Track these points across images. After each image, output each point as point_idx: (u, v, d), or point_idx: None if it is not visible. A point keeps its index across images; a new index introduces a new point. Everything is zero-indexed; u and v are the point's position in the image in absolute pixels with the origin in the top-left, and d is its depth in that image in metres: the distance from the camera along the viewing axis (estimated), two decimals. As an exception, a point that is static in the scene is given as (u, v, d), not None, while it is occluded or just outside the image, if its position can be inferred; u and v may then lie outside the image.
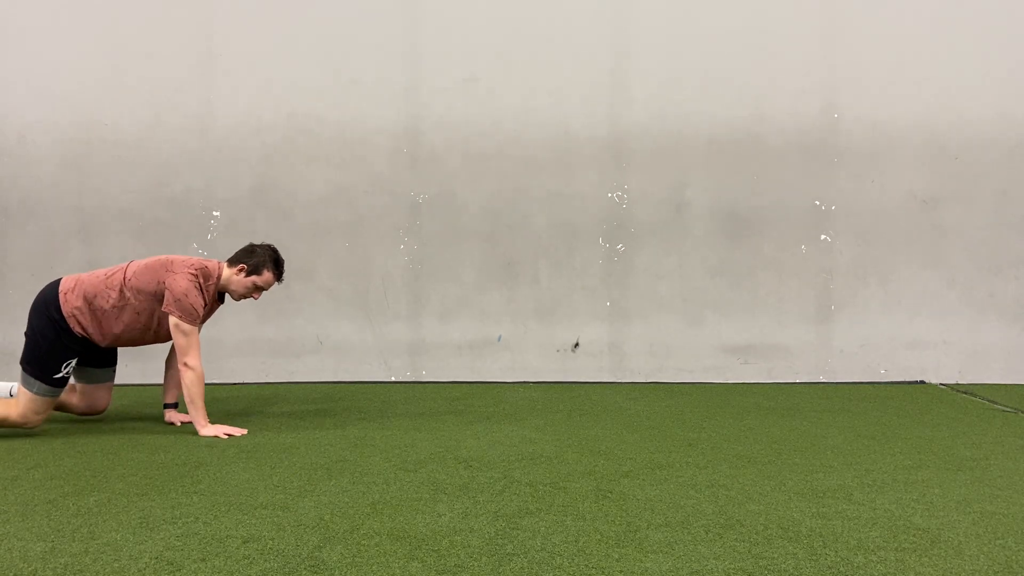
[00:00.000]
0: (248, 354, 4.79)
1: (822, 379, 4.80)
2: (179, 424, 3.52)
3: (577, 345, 4.83)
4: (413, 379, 4.81)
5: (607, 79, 4.80)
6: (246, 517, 2.21)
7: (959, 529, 2.12)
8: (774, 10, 4.78)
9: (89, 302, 3.27)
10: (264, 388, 4.56)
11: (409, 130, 4.81)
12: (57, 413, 3.55)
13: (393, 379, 4.82)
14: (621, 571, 1.83)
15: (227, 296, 3.54)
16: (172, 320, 3.26)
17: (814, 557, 1.92)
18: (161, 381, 3.69)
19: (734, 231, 4.81)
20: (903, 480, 2.60)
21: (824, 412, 3.82)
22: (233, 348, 4.79)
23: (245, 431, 3.29)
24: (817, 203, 4.80)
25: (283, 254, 4.76)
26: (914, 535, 2.07)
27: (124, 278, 3.30)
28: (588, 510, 2.27)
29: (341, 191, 4.81)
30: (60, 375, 3.25)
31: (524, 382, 4.77)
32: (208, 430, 3.26)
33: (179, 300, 3.24)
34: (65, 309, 3.26)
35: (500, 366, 4.81)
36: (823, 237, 4.81)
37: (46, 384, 3.23)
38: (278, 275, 3.48)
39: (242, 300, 3.55)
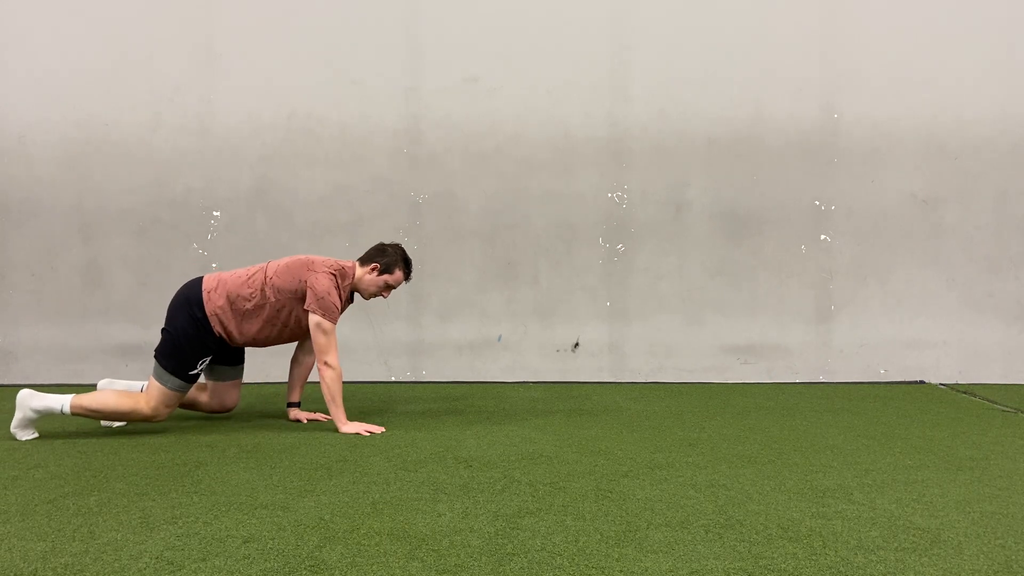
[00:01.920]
0: (248, 354, 4.78)
1: (822, 379, 4.80)
2: (305, 421, 3.55)
3: (577, 345, 4.83)
4: (413, 379, 4.82)
5: (607, 79, 4.80)
6: (246, 517, 2.21)
7: (959, 529, 2.12)
8: (774, 10, 4.78)
9: (232, 302, 3.31)
10: (264, 388, 4.56)
11: (409, 130, 4.81)
12: (183, 411, 3.59)
13: (393, 379, 4.82)
14: (621, 571, 1.84)
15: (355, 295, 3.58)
16: (314, 319, 3.28)
17: (814, 557, 1.92)
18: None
19: (734, 231, 4.81)
20: (903, 480, 2.60)
21: (824, 412, 3.83)
22: (233, 348, 4.79)
23: (383, 429, 3.33)
24: (817, 203, 4.80)
25: (283, 254, 4.78)
26: (914, 535, 2.08)
27: (265, 277, 3.34)
28: (588, 510, 2.27)
29: (341, 191, 4.81)
30: (195, 372, 3.30)
31: (524, 382, 4.77)
32: (348, 427, 3.30)
33: (321, 299, 3.28)
34: (208, 308, 3.29)
35: (500, 366, 4.81)
36: (823, 237, 4.81)
37: (180, 380, 3.27)
38: (407, 274, 3.53)
39: (372, 299, 3.56)
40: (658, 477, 2.62)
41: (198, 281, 3.38)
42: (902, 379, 4.78)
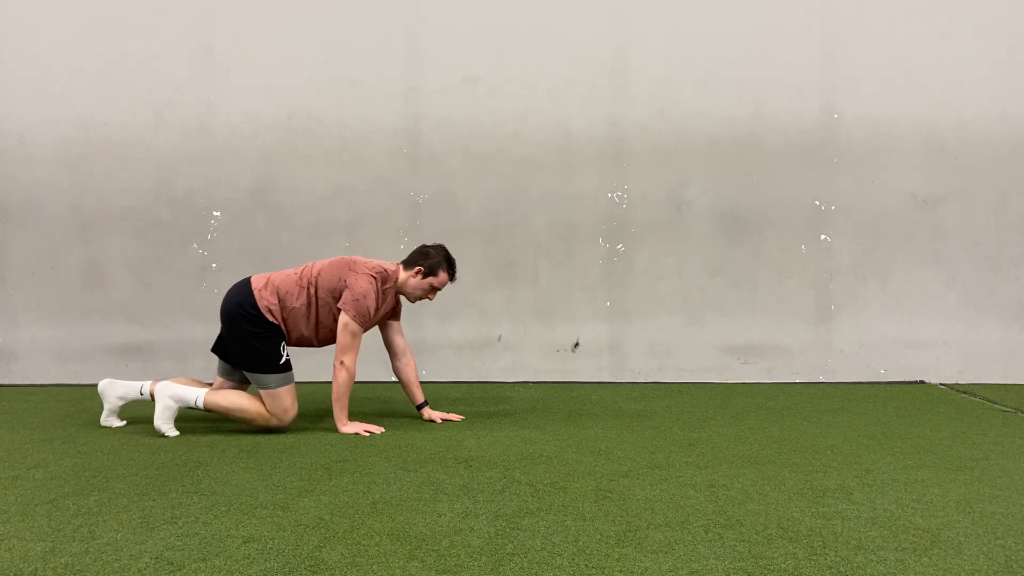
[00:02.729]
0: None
1: (822, 379, 4.80)
2: (439, 421, 3.55)
3: (577, 345, 4.83)
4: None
5: (607, 79, 4.80)
6: (246, 517, 2.21)
7: (959, 529, 2.12)
8: (774, 10, 4.78)
9: (281, 299, 3.33)
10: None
11: (409, 130, 4.81)
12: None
13: (393, 379, 4.81)
14: (621, 571, 1.83)
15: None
16: (343, 318, 3.29)
17: (814, 557, 1.92)
18: None
19: (734, 231, 4.81)
20: (903, 480, 2.60)
21: (824, 412, 3.82)
22: (233, 348, 4.79)
23: (383, 429, 3.34)
24: (817, 203, 4.80)
25: (283, 254, 4.79)
26: (914, 535, 2.07)
27: (312, 277, 3.35)
28: (588, 510, 2.27)
29: (341, 191, 4.81)
30: (284, 359, 3.31)
31: (524, 382, 4.77)
32: (348, 427, 3.31)
33: (357, 300, 3.28)
34: (260, 304, 3.31)
35: (500, 366, 4.81)
36: (823, 237, 4.81)
37: (278, 373, 3.28)
38: (452, 275, 3.52)
39: (417, 302, 3.58)
40: (658, 477, 2.62)
41: (245, 282, 3.39)
42: (902, 379, 4.78)
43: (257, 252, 4.81)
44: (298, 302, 3.32)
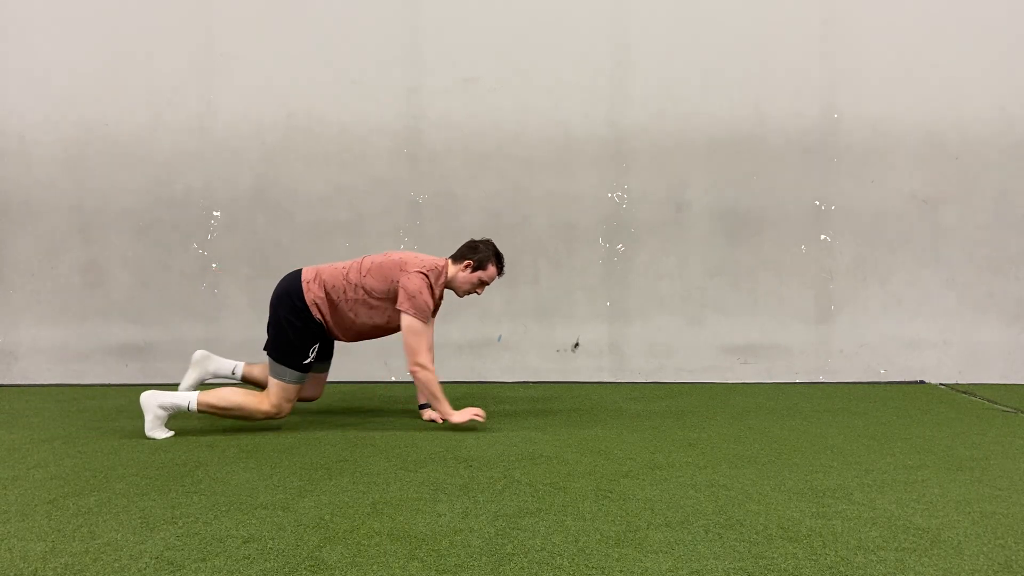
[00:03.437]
0: (248, 354, 4.79)
1: (822, 379, 4.80)
2: (440, 421, 3.54)
3: (577, 345, 4.83)
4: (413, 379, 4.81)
5: (607, 79, 4.80)
6: (246, 517, 2.21)
7: (959, 529, 2.12)
8: (774, 10, 4.78)
9: (329, 293, 3.34)
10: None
11: (409, 130, 4.81)
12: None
13: (393, 379, 4.82)
14: (621, 571, 1.83)
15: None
16: (405, 320, 3.29)
17: (814, 557, 1.92)
18: None
19: (734, 231, 4.81)
20: (903, 480, 2.60)
21: (824, 412, 3.83)
22: (233, 348, 4.79)
23: (484, 414, 3.37)
24: (817, 203, 4.80)
25: (283, 254, 4.79)
26: (914, 535, 2.07)
27: (360, 275, 3.35)
28: (588, 510, 2.27)
29: (341, 191, 4.81)
30: (308, 360, 3.33)
31: (524, 382, 4.77)
32: (459, 416, 3.32)
33: (413, 298, 3.29)
34: (308, 297, 3.32)
35: (500, 366, 4.81)
36: (823, 237, 4.81)
37: (296, 371, 3.30)
38: (500, 269, 3.52)
39: (465, 296, 3.59)
40: (658, 477, 2.62)
41: (296, 273, 3.42)
42: (902, 379, 4.78)
43: (257, 252, 4.81)
44: (345, 297, 3.33)
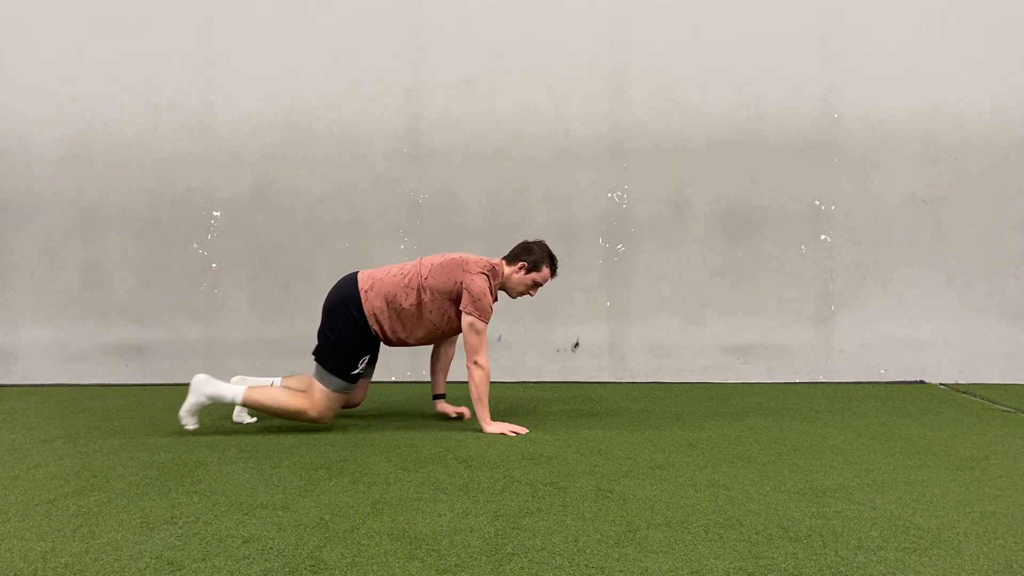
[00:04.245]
0: (248, 354, 4.79)
1: (822, 379, 4.80)
2: (454, 415, 3.56)
3: (577, 345, 4.83)
4: (413, 379, 4.81)
5: (607, 79, 4.80)
6: (246, 517, 2.21)
7: (959, 529, 2.12)
8: (774, 10, 4.78)
9: (389, 302, 3.31)
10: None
11: (409, 130, 4.81)
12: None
13: (393, 379, 4.82)
14: (621, 571, 1.83)
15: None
16: (467, 319, 3.28)
17: (814, 557, 1.92)
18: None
19: (734, 231, 4.81)
20: (903, 480, 2.60)
21: (824, 412, 3.82)
22: (233, 348, 4.79)
23: (527, 430, 3.31)
24: (817, 203, 4.80)
25: (283, 254, 4.79)
26: (914, 535, 2.07)
27: (421, 278, 3.33)
28: (588, 510, 2.27)
29: (341, 191, 4.81)
30: (356, 371, 3.32)
31: (524, 382, 4.77)
32: (493, 427, 3.30)
33: (478, 300, 3.28)
34: (366, 308, 3.30)
35: (500, 366, 4.81)
36: (823, 237, 4.81)
37: (343, 380, 3.30)
38: (554, 270, 3.52)
39: (518, 297, 3.61)
40: (658, 477, 2.62)
41: (352, 280, 3.37)
42: (902, 379, 4.78)
43: (257, 252, 4.81)
44: (407, 303, 3.31)
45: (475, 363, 3.29)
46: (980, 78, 4.76)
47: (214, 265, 4.80)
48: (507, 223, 4.81)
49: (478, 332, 3.29)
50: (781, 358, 4.81)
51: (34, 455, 2.94)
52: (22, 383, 4.76)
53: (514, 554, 1.93)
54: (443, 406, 3.62)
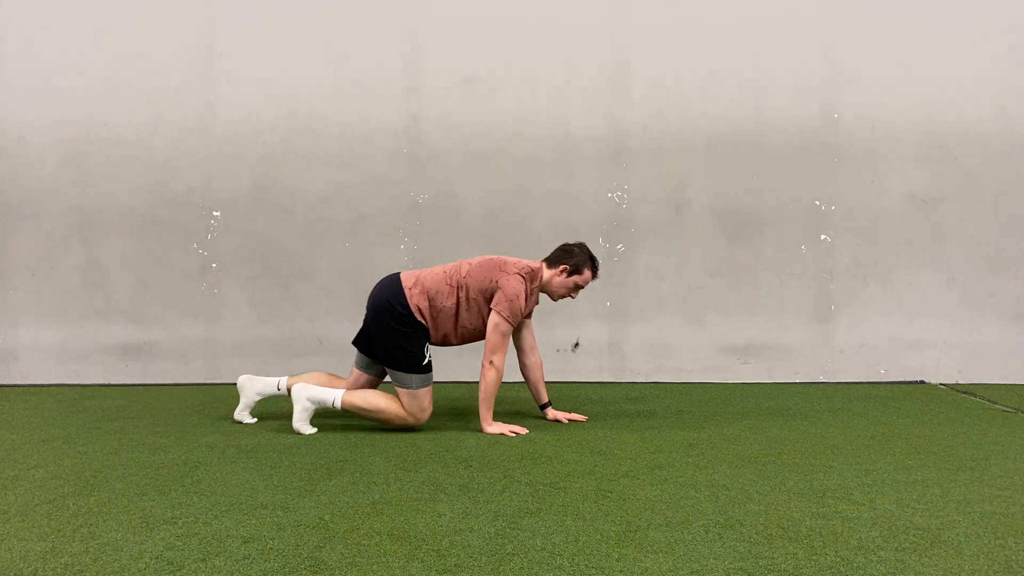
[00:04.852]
0: (248, 354, 4.79)
1: (822, 379, 4.80)
2: (566, 421, 3.57)
3: (577, 345, 4.83)
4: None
5: (607, 79, 4.80)
6: (246, 517, 2.21)
7: (959, 529, 2.12)
8: (774, 10, 4.78)
9: (431, 299, 3.34)
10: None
11: (409, 130, 4.81)
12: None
13: (389, 380, 4.80)
14: (621, 571, 1.83)
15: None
16: (495, 317, 3.31)
17: (814, 557, 1.92)
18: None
19: (734, 231, 4.81)
20: (903, 480, 2.60)
21: (824, 412, 3.82)
22: (233, 348, 4.79)
23: (527, 431, 3.33)
24: (817, 203, 4.80)
25: (283, 254, 4.79)
26: (914, 535, 2.07)
27: (460, 278, 3.36)
28: (588, 510, 2.27)
29: (341, 191, 4.81)
30: (427, 359, 3.33)
31: (524, 382, 4.76)
32: (493, 428, 3.33)
33: (511, 301, 3.30)
34: (411, 304, 3.33)
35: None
36: (823, 237, 4.81)
37: (420, 374, 3.31)
38: (595, 273, 3.53)
39: (560, 300, 3.62)
40: (658, 477, 2.62)
41: (396, 280, 3.40)
42: (902, 379, 4.78)
43: (257, 252, 4.81)
44: (448, 302, 3.34)
45: (490, 362, 3.31)
46: (980, 78, 4.76)
47: (214, 265, 4.80)
48: (507, 223, 4.81)
49: (502, 333, 3.31)
50: (781, 358, 4.81)
51: (34, 455, 2.94)
52: (22, 383, 4.76)
53: (514, 554, 1.93)
54: (554, 413, 3.63)
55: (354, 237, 4.81)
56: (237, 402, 4.00)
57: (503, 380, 4.74)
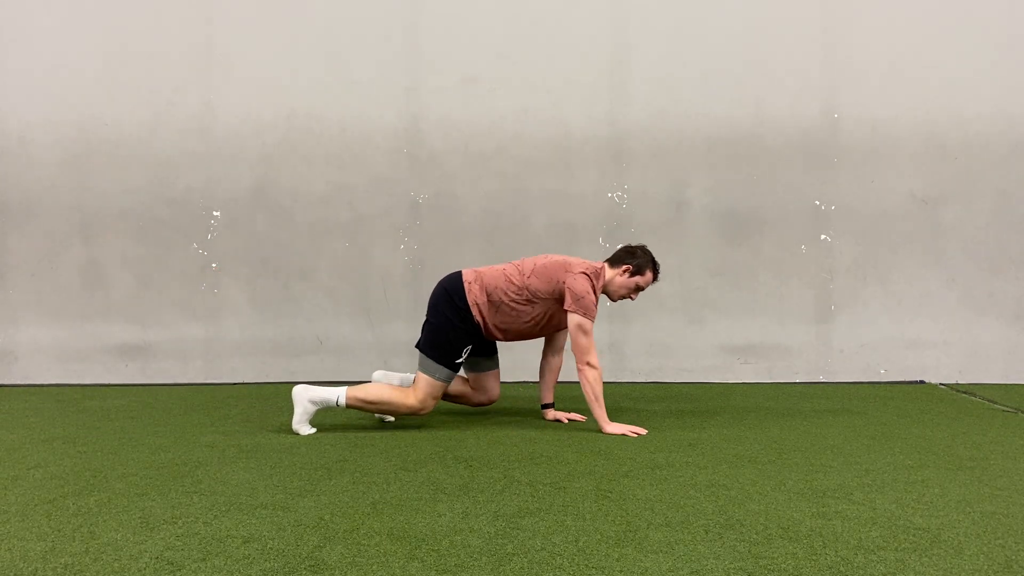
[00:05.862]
0: (248, 354, 4.80)
1: (822, 379, 4.80)
2: (565, 421, 3.59)
3: (577, 345, 4.82)
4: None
5: (607, 79, 4.80)
6: (246, 517, 2.21)
7: (959, 529, 2.12)
8: (774, 10, 4.79)
9: (489, 295, 3.37)
10: (264, 388, 4.56)
11: (409, 130, 4.81)
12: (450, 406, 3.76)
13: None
14: (621, 571, 1.83)
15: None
16: (575, 320, 3.31)
17: (814, 557, 1.92)
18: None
19: (734, 231, 4.81)
20: (903, 480, 2.60)
21: (824, 412, 3.82)
22: (233, 348, 4.79)
23: (645, 431, 3.32)
24: (817, 203, 4.80)
25: (283, 254, 4.80)
26: (914, 535, 2.07)
27: (523, 276, 3.39)
28: (588, 510, 2.27)
29: (341, 191, 4.81)
30: (460, 360, 3.38)
31: (524, 382, 4.77)
32: (613, 428, 3.33)
33: (581, 299, 3.31)
34: (469, 298, 3.37)
35: (500, 366, 4.79)
36: (823, 237, 4.81)
37: (448, 368, 3.36)
38: (656, 274, 3.54)
39: (619, 301, 3.65)
40: (658, 477, 2.62)
41: (457, 275, 3.45)
42: (902, 379, 4.78)
43: (257, 252, 4.81)
44: (508, 299, 3.37)
45: (587, 364, 3.33)
46: (980, 78, 4.76)
47: (214, 265, 4.80)
48: (507, 223, 4.81)
49: (586, 332, 3.32)
50: (781, 358, 4.81)
51: (34, 455, 2.94)
52: (22, 383, 4.76)
53: (514, 554, 1.93)
54: (554, 413, 3.65)
55: (354, 237, 4.81)
56: (238, 401, 4.02)
57: (503, 380, 4.76)
